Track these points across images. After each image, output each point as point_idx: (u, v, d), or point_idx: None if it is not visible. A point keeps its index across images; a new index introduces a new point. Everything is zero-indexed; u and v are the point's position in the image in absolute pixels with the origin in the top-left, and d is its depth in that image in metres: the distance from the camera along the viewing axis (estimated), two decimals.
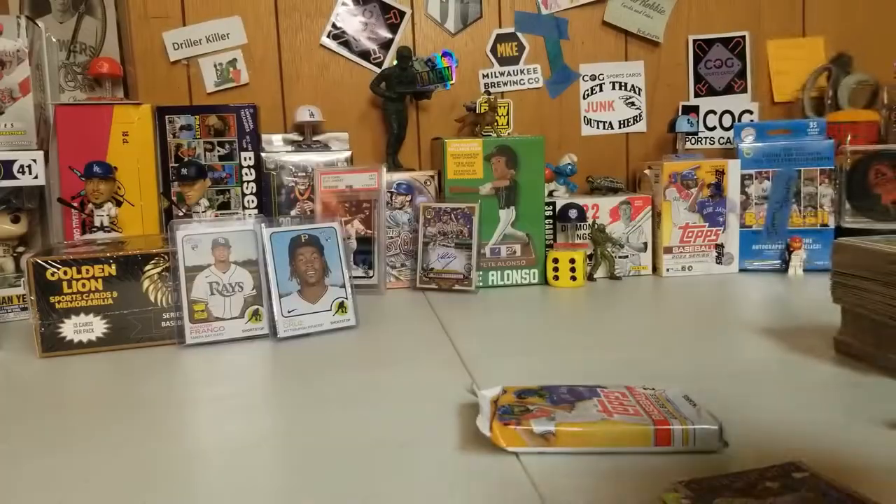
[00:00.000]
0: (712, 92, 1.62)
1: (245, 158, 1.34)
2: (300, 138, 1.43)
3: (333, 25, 1.50)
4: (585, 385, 0.65)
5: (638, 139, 1.62)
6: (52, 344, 0.92)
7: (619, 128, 1.61)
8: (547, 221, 1.33)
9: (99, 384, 0.81)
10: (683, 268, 1.34)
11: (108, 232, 1.17)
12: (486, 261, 1.30)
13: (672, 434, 0.55)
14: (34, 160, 1.13)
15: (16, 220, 1.17)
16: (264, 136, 1.42)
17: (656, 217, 1.35)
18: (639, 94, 1.61)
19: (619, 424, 0.56)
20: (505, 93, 1.56)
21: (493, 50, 1.56)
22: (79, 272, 0.93)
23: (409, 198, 1.32)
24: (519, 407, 0.60)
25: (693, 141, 1.61)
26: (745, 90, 1.62)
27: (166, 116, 1.31)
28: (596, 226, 1.33)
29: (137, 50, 1.44)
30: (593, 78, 1.59)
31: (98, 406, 0.73)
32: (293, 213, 1.36)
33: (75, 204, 1.18)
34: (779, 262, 1.35)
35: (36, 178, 1.14)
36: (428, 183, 1.33)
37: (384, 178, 1.29)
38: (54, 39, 1.36)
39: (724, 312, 1.06)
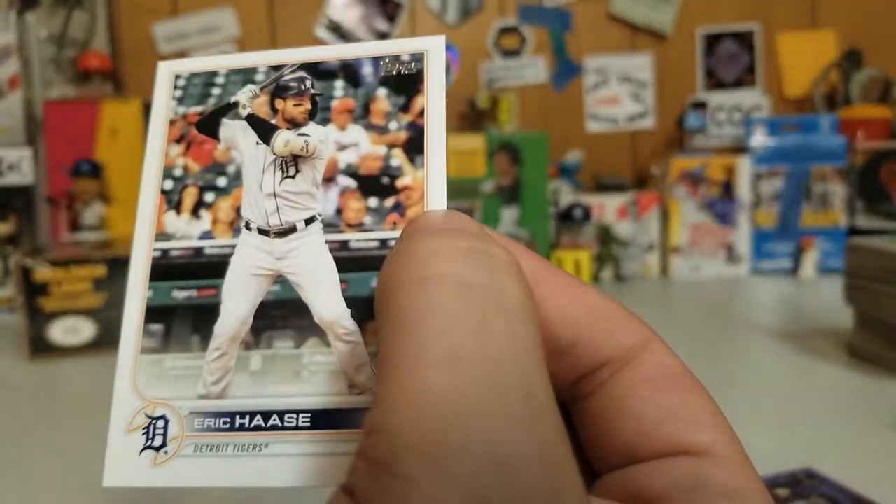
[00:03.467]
0: (721, 86, 1.59)
1: None
2: None
3: (329, 17, 1.49)
4: None
5: (645, 135, 1.60)
6: (41, 347, 0.91)
7: (626, 123, 1.59)
8: (551, 220, 1.31)
9: (88, 387, 0.80)
10: (692, 268, 1.31)
11: (97, 231, 1.15)
12: None
13: None
14: (22, 157, 1.12)
15: (2, 219, 1.16)
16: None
17: (664, 216, 1.33)
18: (646, 89, 1.58)
19: None
20: (507, 87, 1.54)
21: (496, 43, 1.54)
22: (67, 273, 0.92)
23: None
24: None
25: (702, 137, 1.59)
26: (754, 84, 1.59)
27: None
28: (602, 225, 1.31)
29: (127, 44, 1.42)
30: (599, 72, 1.57)
31: (87, 409, 0.72)
32: None
33: (64, 202, 1.16)
34: (790, 262, 1.32)
35: (24, 175, 1.12)
36: None
37: None
38: (43, 34, 1.34)
39: (734, 314, 1.04)
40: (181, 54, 1.45)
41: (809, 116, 1.36)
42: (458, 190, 1.27)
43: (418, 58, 0.23)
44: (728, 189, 1.31)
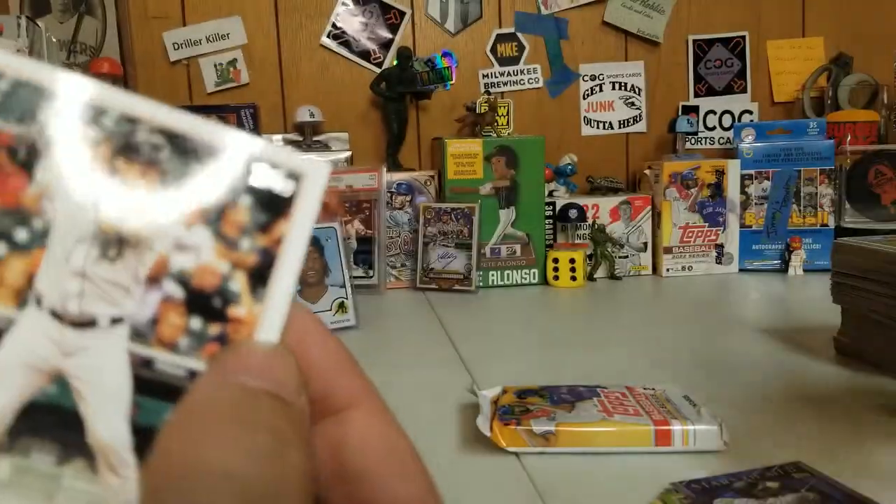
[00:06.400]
0: (712, 92, 1.62)
1: None
2: (300, 138, 1.43)
3: (333, 25, 1.50)
4: (585, 385, 0.66)
5: (638, 139, 1.62)
6: None
7: (619, 128, 1.61)
8: (547, 221, 1.33)
9: None
10: (683, 268, 1.34)
11: None
12: (486, 261, 1.30)
13: (672, 434, 0.56)
14: None
15: None
16: (264, 137, 1.41)
17: (656, 217, 1.36)
18: (639, 95, 1.61)
19: (619, 424, 0.57)
20: (505, 93, 1.56)
21: (493, 50, 1.56)
22: None
23: (409, 198, 1.32)
24: (519, 407, 0.60)
25: (693, 141, 1.61)
26: (744, 90, 1.62)
27: None
28: (596, 226, 1.33)
29: (138, 50, 1.44)
30: (593, 78, 1.59)
31: None
32: None
33: None
34: (779, 262, 1.35)
35: None
36: (428, 183, 1.33)
37: (384, 178, 1.29)
38: (54, 39, 1.35)
39: (724, 312, 1.06)
40: (190, 60, 1.47)
41: (798, 120, 1.39)
42: (458, 191, 1.29)
43: (295, 177, 0.19)
44: (718, 191, 1.34)
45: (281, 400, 0.17)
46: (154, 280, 0.18)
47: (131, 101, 0.19)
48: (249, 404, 0.17)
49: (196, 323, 0.18)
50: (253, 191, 0.19)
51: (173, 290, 0.18)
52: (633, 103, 1.61)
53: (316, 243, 1.01)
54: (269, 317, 0.19)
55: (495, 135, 1.35)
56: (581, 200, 1.35)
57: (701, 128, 1.62)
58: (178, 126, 0.19)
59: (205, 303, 0.19)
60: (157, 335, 0.18)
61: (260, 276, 0.19)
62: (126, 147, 0.19)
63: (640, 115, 1.61)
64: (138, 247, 0.18)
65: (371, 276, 1.27)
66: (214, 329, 0.18)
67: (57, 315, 0.18)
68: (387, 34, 1.52)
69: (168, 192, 0.19)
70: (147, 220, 0.18)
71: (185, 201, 0.19)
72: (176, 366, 0.18)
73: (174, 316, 0.18)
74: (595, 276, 1.33)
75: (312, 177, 0.19)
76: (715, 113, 1.62)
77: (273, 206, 0.19)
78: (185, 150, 0.19)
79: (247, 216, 0.19)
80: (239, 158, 0.19)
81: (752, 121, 1.61)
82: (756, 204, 1.36)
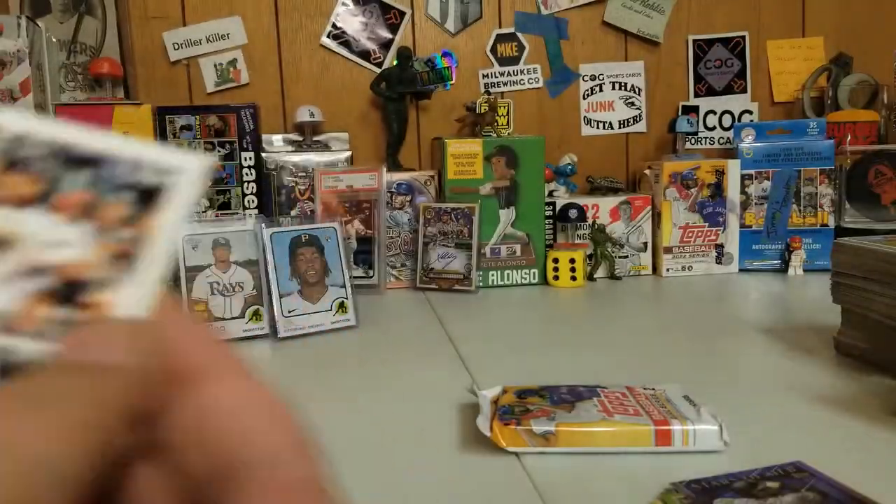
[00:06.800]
0: (712, 92, 1.62)
1: (245, 158, 1.34)
2: (300, 138, 1.44)
3: (333, 25, 1.50)
4: (585, 385, 0.66)
5: (638, 139, 1.62)
6: None
7: (619, 128, 1.61)
8: (547, 221, 1.33)
9: None
10: (683, 268, 1.34)
11: None
12: (486, 261, 1.30)
13: (672, 434, 0.56)
14: None
15: None
16: (264, 137, 1.42)
17: (656, 217, 1.36)
18: (639, 95, 1.61)
19: (619, 424, 0.57)
20: (505, 93, 1.56)
21: (493, 50, 1.56)
22: None
23: (409, 198, 1.33)
24: (519, 407, 0.60)
25: (693, 141, 1.61)
26: (744, 90, 1.62)
27: (167, 116, 1.31)
28: (596, 226, 1.33)
29: (138, 50, 1.44)
30: (593, 78, 1.59)
31: None
32: (293, 213, 1.36)
33: None
34: (779, 262, 1.35)
35: None
36: (428, 183, 1.33)
37: (384, 178, 1.29)
38: (54, 39, 1.36)
39: (724, 312, 1.06)
40: (190, 60, 1.47)
41: (798, 120, 1.39)
42: (458, 191, 1.29)
43: (172, 172, 0.21)
44: (718, 191, 1.34)
45: (108, 371, 0.18)
46: (25, 273, 0.19)
47: (23, 120, 0.20)
48: (58, 380, 0.17)
49: (62, 311, 0.19)
50: (131, 187, 0.21)
51: (42, 282, 0.19)
52: (633, 103, 1.61)
53: (316, 243, 1.02)
54: (132, 300, 0.20)
55: (495, 135, 1.35)
56: (581, 200, 1.35)
57: (701, 128, 1.62)
58: (65, 138, 0.21)
59: (73, 292, 0.19)
60: (23, 325, 0.19)
61: (130, 264, 0.20)
62: (13, 162, 0.20)
63: (640, 115, 1.61)
64: (12, 244, 0.19)
65: (371, 276, 1.27)
66: (80, 315, 0.19)
67: None
68: (387, 34, 1.52)
69: (49, 194, 0.20)
70: (23, 219, 0.20)
71: (65, 201, 0.20)
72: (39, 352, 0.19)
73: (41, 307, 0.19)
74: (595, 276, 1.33)
75: (188, 170, 0.21)
76: (715, 113, 1.62)
77: (150, 199, 0.21)
78: (70, 159, 0.20)
79: (123, 210, 0.20)
80: (124, 162, 0.21)
81: (752, 121, 1.61)
82: (756, 204, 1.36)
